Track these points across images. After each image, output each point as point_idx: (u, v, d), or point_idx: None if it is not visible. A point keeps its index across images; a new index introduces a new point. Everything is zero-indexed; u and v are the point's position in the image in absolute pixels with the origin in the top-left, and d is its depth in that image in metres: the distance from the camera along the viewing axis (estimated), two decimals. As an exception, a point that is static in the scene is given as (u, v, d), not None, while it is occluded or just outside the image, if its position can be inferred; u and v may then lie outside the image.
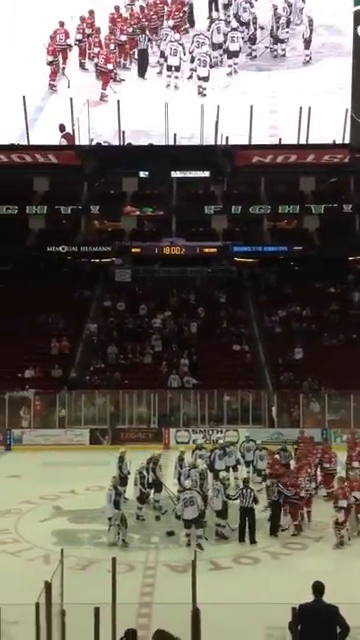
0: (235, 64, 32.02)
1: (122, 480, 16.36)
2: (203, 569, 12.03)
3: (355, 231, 35.13)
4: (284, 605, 6.67)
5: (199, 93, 31.77)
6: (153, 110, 31.02)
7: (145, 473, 16.08)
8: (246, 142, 31.52)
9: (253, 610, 9.07)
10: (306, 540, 14.71)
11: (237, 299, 33.27)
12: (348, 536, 14.32)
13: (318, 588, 7.59)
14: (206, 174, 35.14)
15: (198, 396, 26.56)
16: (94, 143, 31.84)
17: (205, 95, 31.70)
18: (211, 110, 30.72)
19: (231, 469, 18.12)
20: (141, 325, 31.43)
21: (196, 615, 7.14)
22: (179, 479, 16.20)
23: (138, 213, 35.83)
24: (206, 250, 34.04)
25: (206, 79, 31.74)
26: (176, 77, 31.72)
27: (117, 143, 31.81)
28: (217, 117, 30.57)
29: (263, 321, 31.72)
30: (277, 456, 17.67)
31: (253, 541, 14.36)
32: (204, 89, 31.77)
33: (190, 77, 31.81)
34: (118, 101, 31.07)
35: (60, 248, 33.57)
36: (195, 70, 31.73)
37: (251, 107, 30.19)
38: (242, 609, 9.21)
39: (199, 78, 31.75)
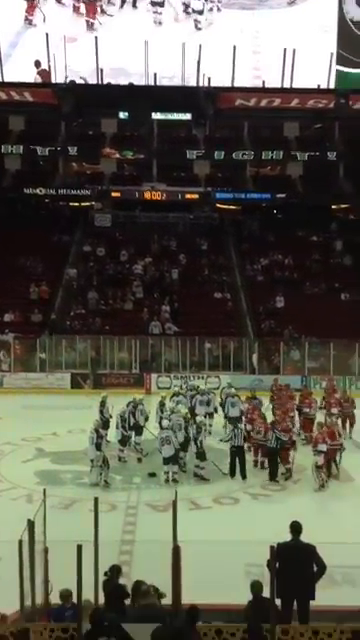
0: (219, 1, 31.02)
1: (104, 424, 16.55)
2: (184, 508, 12.24)
3: (339, 179, 34.84)
4: (262, 543, 6.80)
5: (195, 27, 30.76)
6: (133, 48, 30.02)
7: (126, 416, 16.27)
8: (229, 84, 30.91)
9: (232, 547, 9.27)
10: (285, 482, 15.03)
11: (219, 246, 33.08)
12: (327, 479, 14.65)
13: (296, 527, 7.79)
14: (188, 116, 34.43)
15: (179, 343, 26.65)
16: (69, 81, 30.87)
17: (200, 29, 30.68)
18: (192, 49, 29.86)
19: (208, 416, 18.24)
20: (122, 271, 31.21)
21: (177, 552, 7.29)
22: (160, 423, 16.38)
23: (118, 156, 35.13)
24: (188, 196, 33.57)
25: (201, 12, 30.74)
26: (160, 13, 30.67)
27: (95, 81, 30.91)
28: (199, 57, 29.80)
29: (245, 269, 31.65)
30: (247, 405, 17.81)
31: (244, 476, 14.95)
32: (199, 22, 30.78)
33: (186, 11, 30.71)
34: (96, 37, 30.04)
35: (37, 190, 32.90)
36: (189, 5, 30.73)
37: (234, 47, 29.44)
38: (221, 546, 9.42)
39: (194, 11, 30.77)
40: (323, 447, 14.46)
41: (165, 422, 15.42)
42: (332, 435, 14.93)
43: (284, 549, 7.35)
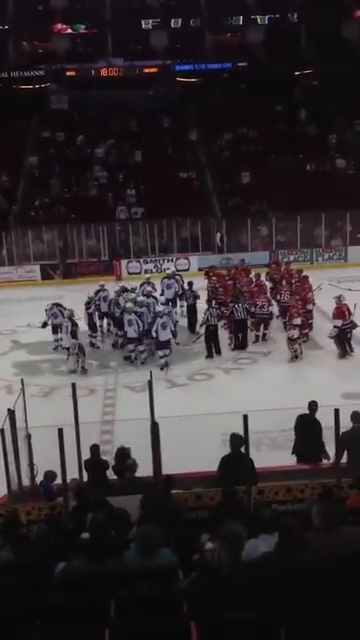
0: None
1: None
2: (160, 387, 12.72)
3: (301, 43, 33.39)
4: (237, 413, 7.11)
5: None
6: None
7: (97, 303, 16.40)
8: None
9: (208, 419, 9.71)
10: (256, 355, 15.50)
11: (181, 123, 31.98)
12: (301, 350, 15.10)
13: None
14: (141, -18, 32.33)
15: (147, 227, 26.39)
16: None
17: None
18: None
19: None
20: (83, 156, 30.23)
21: (155, 428, 7.63)
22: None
23: (70, 31, 33.11)
24: (146, 70, 32.15)
25: None
26: None
27: None
28: None
29: (209, 146, 30.82)
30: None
31: (219, 352, 15.52)
32: None
33: None
34: None
35: (-12, 74, 31.21)
36: None
37: None
38: (198, 420, 9.86)
39: None
40: (297, 321, 14.80)
41: (129, 305, 15.48)
42: (342, 315, 14.80)
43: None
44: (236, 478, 7.25)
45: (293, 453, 9.28)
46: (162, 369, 14.54)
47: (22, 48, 33.19)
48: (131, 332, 15.12)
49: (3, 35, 32.09)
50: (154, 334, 14.91)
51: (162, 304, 16.21)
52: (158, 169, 28.85)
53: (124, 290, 17.14)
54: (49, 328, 16.57)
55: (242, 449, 7.51)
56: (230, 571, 4.30)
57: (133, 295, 16.55)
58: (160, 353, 14.95)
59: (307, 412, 9.26)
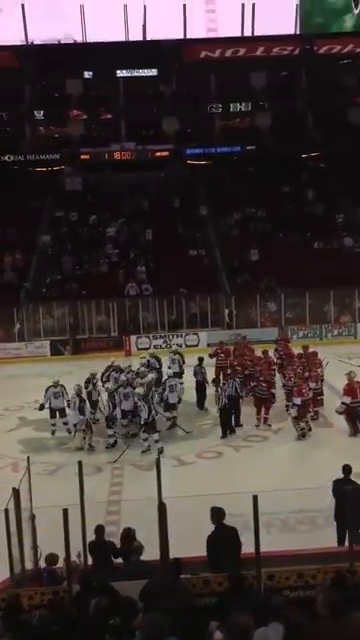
0: None
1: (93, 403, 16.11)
2: (168, 465, 12.51)
3: (307, 127, 34.60)
4: (245, 494, 6.96)
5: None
6: (65, 15, 28.52)
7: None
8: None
9: (216, 500, 9.47)
10: (266, 432, 15.29)
11: (191, 203, 32.83)
12: (309, 427, 14.90)
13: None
14: (154, 72, 33.84)
15: (157, 303, 26.67)
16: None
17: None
18: (136, 11, 28.49)
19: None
20: (95, 234, 30.95)
21: (162, 509, 7.46)
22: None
23: (85, 117, 34.53)
24: (158, 154, 33.22)
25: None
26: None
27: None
28: (144, 20, 28.65)
29: (218, 224, 31.53)
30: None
31: (233, 431, 15.34)
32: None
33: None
34: (23, 5, 28.41)
35: (6, 157, 32.34)
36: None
37: (184, 6, 28.46)
38: (206, 500, 9.62)
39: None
40: (297, 400, 14.68)
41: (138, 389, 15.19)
42: (353, 392, 14.61)
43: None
44: (222, 554, 7.08)
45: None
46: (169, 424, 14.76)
47: (38, 133, 34.55)
48: (126, 405, 14.97)
49: (20, 119, 33.48)
50: (164, 397, 15.16)
51: (169, 376, 16.19)
52: (168, 247, 29.43)
53: (118, 369, 16.79)
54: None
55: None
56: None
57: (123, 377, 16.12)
58: (167, 414, 15.15)
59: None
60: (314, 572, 7.32)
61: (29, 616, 6.19)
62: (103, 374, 16.70)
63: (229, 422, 15.35)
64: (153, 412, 14.35)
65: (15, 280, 28.23)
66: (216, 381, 16.95)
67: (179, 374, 17.59)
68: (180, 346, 23.31)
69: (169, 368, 17.42)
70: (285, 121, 33.15)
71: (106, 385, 15.75)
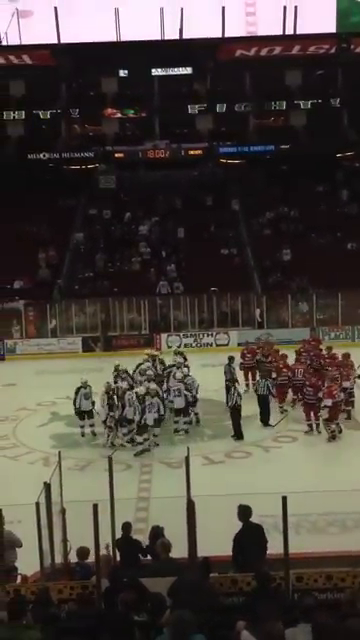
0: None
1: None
2: (197, 464, 12.45)
3: (343, 126, 34.25)
4: (275, 495, 6.93)
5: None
6: (101, 18, 28.35)
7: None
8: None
9: (245, 500, 9.44)
10: (295, 433, 15.22)
11: (224, 202, 32.76)
12: (339, 429, 14.79)
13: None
14: (188, 71, 33.80)
15: (188, 301, 26.69)
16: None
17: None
18: (172, 14, 28.26)
19: None
20: (128, 232, 31.09)
21: (191, 507, 7.47)
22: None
23: (120, 115, 34.68)
24: (191, 152, 33.18)
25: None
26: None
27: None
28: (181, 23, 28.46)
29: (251, 223, 31.40)
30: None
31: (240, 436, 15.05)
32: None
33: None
34: (55, 8, 28.48)
35: (41, 155, 32.65)
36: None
37: (223, 8, 28.25)
38: (235, 499, 9.61)
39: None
40: (328, 402, 14.58)
41: (142, 388, 15.13)
42: None
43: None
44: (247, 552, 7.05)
45: None
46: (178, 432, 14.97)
47: (74, 131, 34.81)
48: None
49: (56, 118, 33.78)
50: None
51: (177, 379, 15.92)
52: (200, 245, 29.43)
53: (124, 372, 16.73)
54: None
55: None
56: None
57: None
58: (176, 419, 15.28)
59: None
60: (343, 575, 7.26)
61: (58, 610, 6.27)
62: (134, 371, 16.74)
63: (238, 425, 15.10)
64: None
65: (49, 277, 28.54)
66: (232, 381, 16.58)
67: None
68: (210, 345, 23.37)
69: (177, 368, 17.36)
70: (320, 120, 32.83)
71: (135, 390, 15.37)
